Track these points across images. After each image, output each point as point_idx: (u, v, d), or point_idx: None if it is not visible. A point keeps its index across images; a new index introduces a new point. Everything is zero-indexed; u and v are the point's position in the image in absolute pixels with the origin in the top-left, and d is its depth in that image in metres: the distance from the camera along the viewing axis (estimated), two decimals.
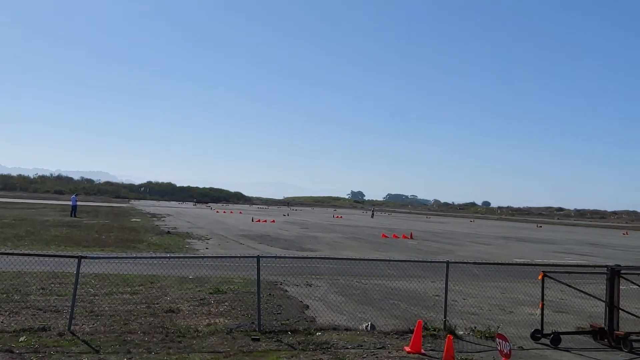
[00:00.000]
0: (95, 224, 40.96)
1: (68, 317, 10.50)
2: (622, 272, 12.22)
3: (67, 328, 10.22)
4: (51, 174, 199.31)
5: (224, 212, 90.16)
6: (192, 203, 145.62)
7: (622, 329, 11.80)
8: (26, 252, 19.06)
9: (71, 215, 49.75)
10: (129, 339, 9.92)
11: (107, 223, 43.24)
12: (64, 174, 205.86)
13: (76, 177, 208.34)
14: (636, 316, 12.45)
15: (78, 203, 55.15)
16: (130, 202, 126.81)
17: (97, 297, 13.33)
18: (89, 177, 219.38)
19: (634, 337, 11.66)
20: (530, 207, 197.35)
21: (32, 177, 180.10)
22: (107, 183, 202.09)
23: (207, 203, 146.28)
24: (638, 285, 12.66)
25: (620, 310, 11.97)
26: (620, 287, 12.11)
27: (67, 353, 8.95)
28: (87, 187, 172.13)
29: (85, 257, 11.31)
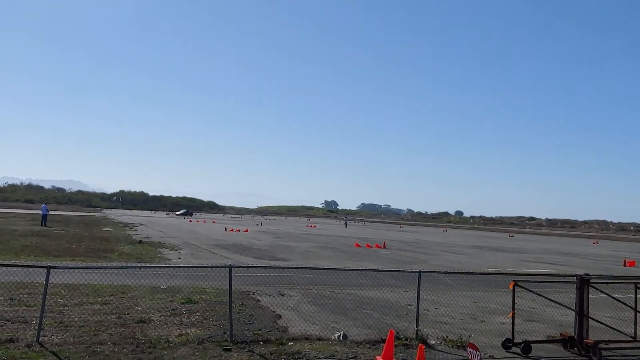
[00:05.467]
0: (66, 234, 40.53)
1: (37, 328, 10.33)
2: (591, 281, 12.35)
3: (35, 339, 10.07)
4: (21, 183, 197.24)
5: (197, 221, 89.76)
6: (165, 213, 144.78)
7: (592, 338, 11.92)
8: None
9: (41, 225, 49.16)
10: (98, 349, 9.80)
11: (78, 232, 42.82)
12: (35, 183, 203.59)
13: (47, 186, 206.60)
14: (605, 325, 12.59)
15: (49, 212, 54.50)
16: (102, 212, 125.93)
17: (66, 308, 13.15)
18: (60, 185, 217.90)
19: (603, 345, 11.79)
20: (502, 217, 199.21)
21: (1, 185, 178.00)
22: (79, 192, 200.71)
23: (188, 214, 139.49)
24: (607, 294, 12.80)
25: (589, 319, 12.10)
26: (590, 296, 12.25)
27: None
28: (58, 196, 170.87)
29: (55, 267, 11.13)
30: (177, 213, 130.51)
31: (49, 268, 10.72)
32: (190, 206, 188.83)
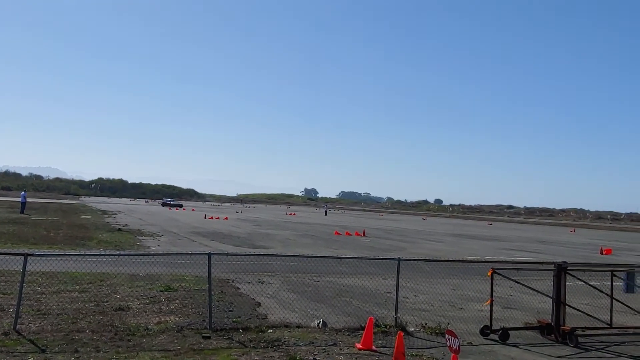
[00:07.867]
0: (44, 221, 40.19)
1: (14, 316, 10.25)
2: (568, 268, 12.47)
3: (12, 327, 9.98)
4: None
5: (177, 209, 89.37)
6: (144, 200, 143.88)
7: (569, 324, 12.05)
8: None
9: (21, 212, 48.68)
10: (76, 337, 9.74)
11: (56, 220, 42.49)
12: (12, 170, 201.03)
13: (24, 173, 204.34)
14: (582, 312, 12.72)
15: (27, 200, 53.91)
16: (80, 199, 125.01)
17: (44, 296, 13.06)
18: (37, 172, 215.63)
19: (579, 332, 11.94)
20: (481, 205, 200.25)
21: None
22: (57, 179, 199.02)
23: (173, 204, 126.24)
24: (584, 281, 12.93)
25: (566, 306, 12.22)
26: (567, 283, 12.38)
27: (12, 353, 8.74)
28: (36, 184, 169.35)
29: (32, 255, 11.03)
30: (166, 202, 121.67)
31: (26, 256, 10.62)
32: (171, 194, 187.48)
